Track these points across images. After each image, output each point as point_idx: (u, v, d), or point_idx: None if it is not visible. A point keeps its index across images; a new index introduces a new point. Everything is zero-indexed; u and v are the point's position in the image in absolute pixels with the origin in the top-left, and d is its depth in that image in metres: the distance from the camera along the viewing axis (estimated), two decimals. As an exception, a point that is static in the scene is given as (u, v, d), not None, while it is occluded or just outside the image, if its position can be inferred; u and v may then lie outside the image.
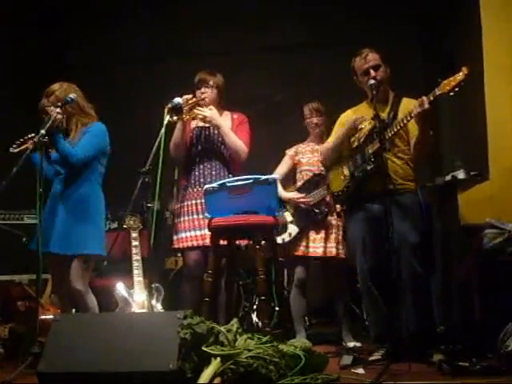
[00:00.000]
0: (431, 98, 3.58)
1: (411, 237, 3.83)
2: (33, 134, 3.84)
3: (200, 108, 4.32)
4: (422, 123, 3.72)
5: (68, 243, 3.90)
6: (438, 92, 3.55)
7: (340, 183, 4.12)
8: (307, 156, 4.76)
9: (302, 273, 4.68)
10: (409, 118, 3.71)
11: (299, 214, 4.68)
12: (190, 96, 4.30)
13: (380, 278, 3.89)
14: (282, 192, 4.74)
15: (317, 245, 4.56)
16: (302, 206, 4.65)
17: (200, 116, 4.34)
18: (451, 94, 3.50)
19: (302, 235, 4.63)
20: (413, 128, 3.84)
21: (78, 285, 3.94)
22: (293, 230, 4.67)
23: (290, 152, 4.90)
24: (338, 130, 4.22)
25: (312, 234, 4.60)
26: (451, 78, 3.49)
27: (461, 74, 3.47)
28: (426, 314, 3.87)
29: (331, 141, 4.24)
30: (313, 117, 4.77)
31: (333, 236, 4.53)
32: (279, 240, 4.69)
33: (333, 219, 4.58)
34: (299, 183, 4.79)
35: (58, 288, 4.20)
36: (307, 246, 4.59)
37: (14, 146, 3.96)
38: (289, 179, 4.89)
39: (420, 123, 3.73)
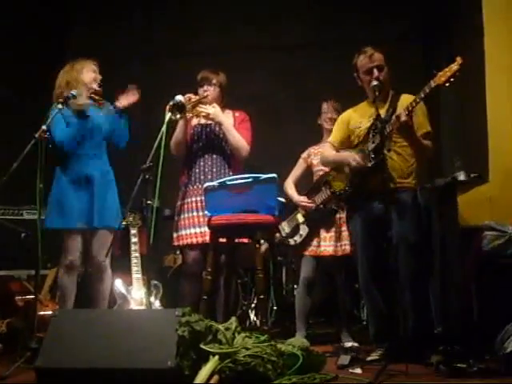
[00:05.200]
0: (427, 91, 3.58)
1: (410, 235, 3.83)
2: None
3: (203, 106, 4.32)
4: (406, 135, 3.77)
5: (110, 217, 4.16)
6: (433, 84, 3.55)
7: (342, 182, 4.12)
8: (319, 157, 4.75)
9: (311, 272, 4.69)
10: (407, 112, 3.71)
11: (310, 213, 4.70)
12: (192, 94, 4.31)
13: (380, 277, 3.91)
14: (294, 195, 4.78)
15: (327, 243, 4.58)
16: (308, 208, 4.67)
17: (203, 114, 4.34)
18: (447, 84, 3.50)
19: (312, 234, 4.65)
20: (416, 121, 3.85)
21: (107, 260, 4.21)
22: (304, 230, 4.69)
23: (303, 155, 4.94)
24: (338, 130, 4.22)
25: (323, 233, 4.62)
26: (446, 69, 3.50)
27: (455, 63, 3.48)
28: (424, 315, 3.87)
29: (331, 156, 4.25)
30: (329, 113, 4.76)
31: (345, 234, 4.51)
32: (291, 242, 4.72)
33: (345, 217, 4.57)
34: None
35: (68, 266, 4.22)
36: (318, 246, 4.61)
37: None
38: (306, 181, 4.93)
39: (404, 135, 3.78)
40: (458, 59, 3.48)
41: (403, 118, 3.63)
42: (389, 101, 4.02)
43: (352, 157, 4.00)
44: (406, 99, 3.90)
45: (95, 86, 4.35)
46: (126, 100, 4.30)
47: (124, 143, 4.37)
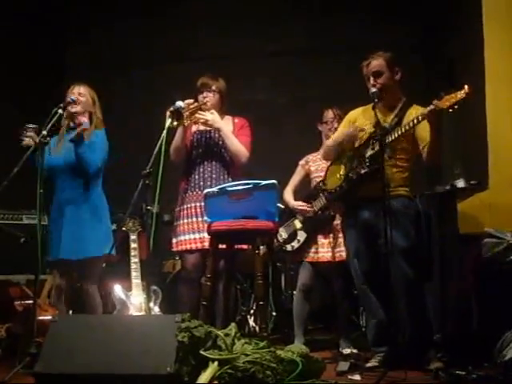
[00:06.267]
0: (431, 109, 3.58)
1: (401, 241, 3.81)
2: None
3: (201, 112, 4.33)
4: (435, 124, 3.70)
5: (82, 247, 4.05)
6: (439, 105, 3.52)
7: (335, 182, 4.12)
8: (317, 163, 4.76)
9: (309, 278, 4.69)
10: (411, 125, 3.70)
11: (307, 219, 4.70)
12: (192, 101, 4.32)
13: (376, 283, 3.91)
14: (290, 201, 4.79)
15: (325, 249, 4.59)
16: (307, 214, 4.68)
17: (202, 120, 4.34)
18: (450, 110, 3.49)
19: (310, 241, 4.66)
20: (421, 133, 3.83)
21: (90, 286, 4.13)
22: (301, 236, 4.70)
23: (301, 162, 4.94)
24: (342, 128, 4.22)
25: (320, 239, 4.64)
26: (452, 95, 3.48)
27: (462, 92, 3.46)
28: (422, 321, 3.86)
29: (333, 138, 4.25)
30: (334, 121, 4.70)
31: (342, 240, 4.49)
32: (289, 248, 4.73)
33: (340, 223, 4.56)
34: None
35: (59, 292, 4.25)
36: (316, 252, 4.63)
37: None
38: (304, 188, 4.92)
39: (433, 125, 3.69)
40: (466, 88, 3.45)
41: (441, 105, 3.54)
42: (397, 110, 4.00)
43: (352, 129, 4.02)
44: (414, 111, 3.89)
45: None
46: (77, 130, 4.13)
47: (89, 169, 4.17)
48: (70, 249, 4.04)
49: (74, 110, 4.16)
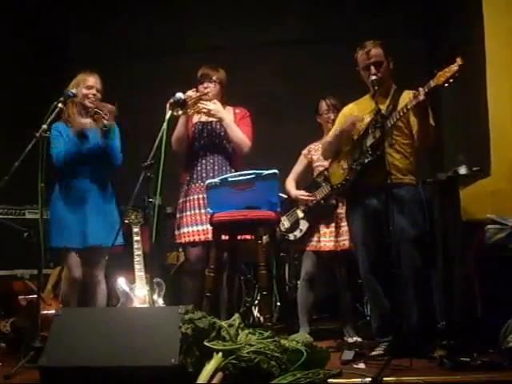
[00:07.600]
0: (426, 90, 3.59)
1: (410, 230, 3.82)
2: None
3: (204, 102, 4.32)
4: (420, 115, 3.74)
5: (109, 234, 4.08)
6: (432, 84, 3.56)
7: (339, 176, 4.12)
8: (319, 152, 4.71)
9: (312, 267, 4.69)
10: (405, 111, 3.72)
11: (309, 208, 4.70)
12: (193, 91, 4.31)
13: (381, 272, 3.90)
14: (292, 190, 4.79)
15: (327, 238, 4.59)
16: (309, 203, 4.67)
17: (204, 110, 4.33)
18: (446, 85, 3.51)
19: (312, 230, 4.66)
20: (414, 120, 3.85)
21: (101, 274, 4.25)
22: (304, 225, 4.70)
23: (304, 151, 4.94)
24: (339, 124, 4.22)
25: (323, 228, 4.64)
26: (446, 69, 3.50)
27: (455, 64, 3.47)
28: (427, 309, 3.87)
29: (331, 134, 4.25)
30: (329, 112, 4.73)
31: (344, 229, 4.51)
32: (291, 237, 4.73)
33: (344, 212, 4.54)
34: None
35: (74, 284, 4.25)
36: (319, 241, 4.63)
37: None
38: (307, 177, 4.93)
39: (417, 115, 3.74)
40: (458, 60, 3.47)
41: (421, 98, 3.60)
42: (390, 96, 4.02)
43: (350, 119, 4.03)
44: (406, 95, 3.90)
45: (87, 103, 4.24)
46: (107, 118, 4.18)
47: (117, 161, 4.29)
48: (102, 235, 4.10)
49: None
